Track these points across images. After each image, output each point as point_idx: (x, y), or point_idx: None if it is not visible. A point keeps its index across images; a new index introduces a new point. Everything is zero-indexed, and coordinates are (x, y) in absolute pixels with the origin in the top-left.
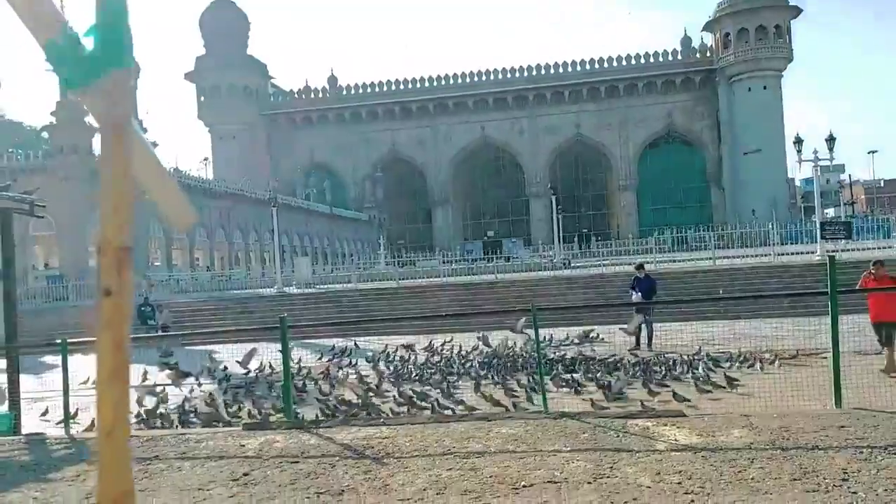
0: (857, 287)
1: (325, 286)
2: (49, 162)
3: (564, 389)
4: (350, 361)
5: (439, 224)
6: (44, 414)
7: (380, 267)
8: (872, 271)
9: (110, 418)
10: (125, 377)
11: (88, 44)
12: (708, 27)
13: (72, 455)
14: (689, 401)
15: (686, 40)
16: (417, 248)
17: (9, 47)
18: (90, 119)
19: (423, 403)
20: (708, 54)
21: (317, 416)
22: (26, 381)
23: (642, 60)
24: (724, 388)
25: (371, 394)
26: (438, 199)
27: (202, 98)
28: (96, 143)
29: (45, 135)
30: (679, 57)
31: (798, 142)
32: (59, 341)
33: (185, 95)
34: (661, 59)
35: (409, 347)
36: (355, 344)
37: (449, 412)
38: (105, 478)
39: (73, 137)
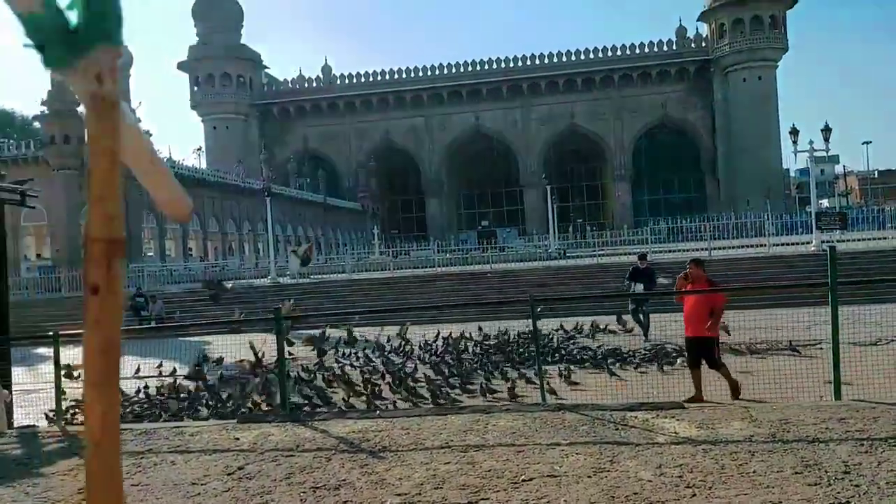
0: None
1: (320, 276)
2: (41, 152)
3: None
4: (349, 352)
5: (433, 214)
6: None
7: (374, 257)
8: (689, 271)
9: (99, 428)
10: (115, 382)
11: (73, 17)
12: (703, 17)
13: (64, 449)
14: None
15: (681, 30)
16: (411, 237)
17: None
18: (83, 108)
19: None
20: (703, 45)
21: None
22: (18, 373)
23: (637, 51)
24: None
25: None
26: (432, 188)
27: (195, 88)
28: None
29: (37, 124)
30: (674, 47)
31: (794, 132)
32: (50, 333)
33: (178, 85)
34: (655, 49)
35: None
36: (349, 333)
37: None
38: (93, 495)
39: (65, 127)
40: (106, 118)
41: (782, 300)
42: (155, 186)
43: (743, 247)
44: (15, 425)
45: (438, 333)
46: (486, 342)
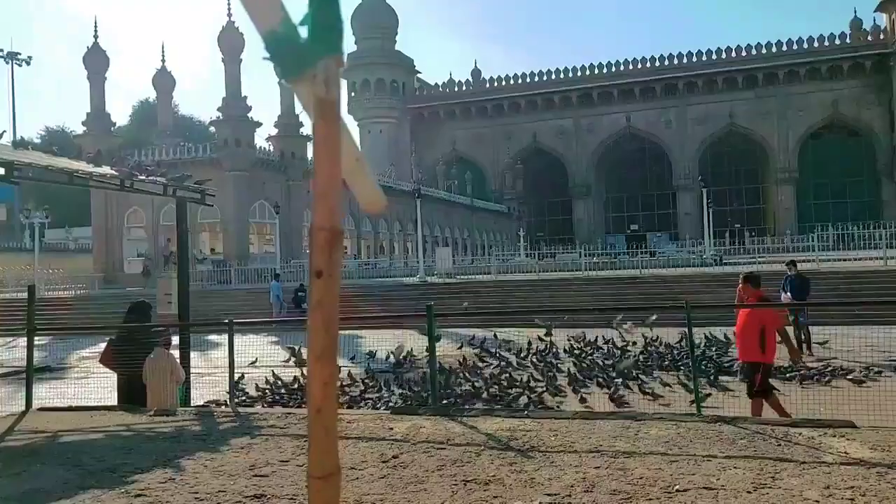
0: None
1: (466, 277)
2: (215, 154)
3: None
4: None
5: (580, 217)
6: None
7: (519, 259)
8: (739, 288)
9: (320, 396)
10: (334, 356)
11: (304, 32)
12: (882, 8)
13: (236, 428)
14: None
15: (856, 22)
16: (557, 240)
17: (181, 45)
18: (252, 115)
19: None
20: (881, 37)
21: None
22: (192, 357)
23: (805, 45)
24: None
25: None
26: (579, 191)
27: (352, 93)
28: (258, 138)
29: (212, 129)
30: (847, 41)
31: None
32: (226, 321)
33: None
34: (826, 43)
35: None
36: (494, 335)
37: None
38: (314, 455)
39: (237, 132)
40: (331, 121)
41: None
42: (357, 182)
43: None
44: (191, 404)
45: (585, 336)
46: (628, 349)
